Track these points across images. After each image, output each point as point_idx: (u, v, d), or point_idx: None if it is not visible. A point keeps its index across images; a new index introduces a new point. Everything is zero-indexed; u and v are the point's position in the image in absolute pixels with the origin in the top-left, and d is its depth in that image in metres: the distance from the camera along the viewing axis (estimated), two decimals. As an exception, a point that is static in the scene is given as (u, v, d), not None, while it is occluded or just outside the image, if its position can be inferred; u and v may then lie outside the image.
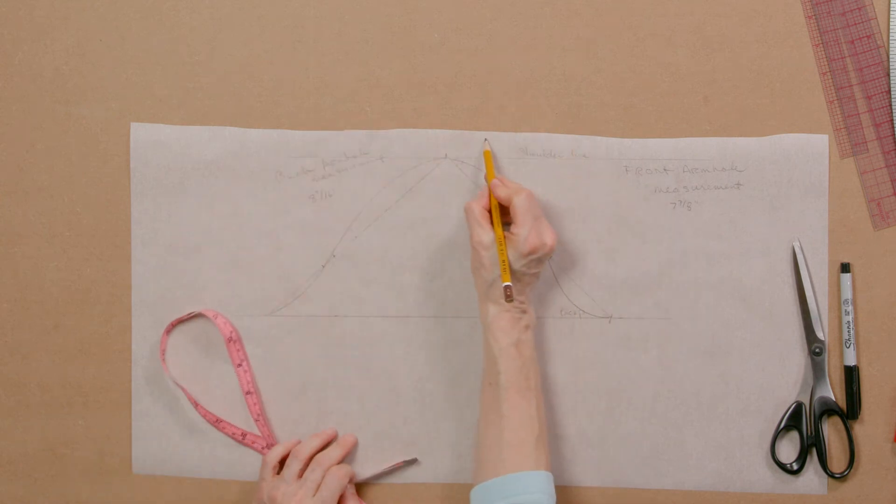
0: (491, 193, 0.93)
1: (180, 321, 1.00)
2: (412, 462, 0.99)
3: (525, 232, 0.90)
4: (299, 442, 0.98)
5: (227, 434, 0.99)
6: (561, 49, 0.98)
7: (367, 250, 0.99)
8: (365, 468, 0.99)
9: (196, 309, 1.00)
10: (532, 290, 0.95)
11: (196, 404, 0.99)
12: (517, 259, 0.90)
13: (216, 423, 0.99)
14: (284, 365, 1.00)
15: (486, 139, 0.97)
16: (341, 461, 0.97)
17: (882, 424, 0.97)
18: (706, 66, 0.97)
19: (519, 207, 0.91)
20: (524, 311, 0.92)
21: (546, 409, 0.98)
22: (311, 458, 0.97)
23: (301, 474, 0.95)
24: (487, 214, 0.93)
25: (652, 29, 0.97)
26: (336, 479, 0.94)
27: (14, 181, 1.01)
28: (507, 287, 0.89)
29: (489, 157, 0.96)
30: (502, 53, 0.98)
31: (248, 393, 0.99)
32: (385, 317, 0.99)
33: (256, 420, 0.99)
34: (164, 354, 0.99)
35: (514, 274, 0.91)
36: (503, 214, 0.93)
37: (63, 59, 1.00)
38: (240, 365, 0.99)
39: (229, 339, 0.99)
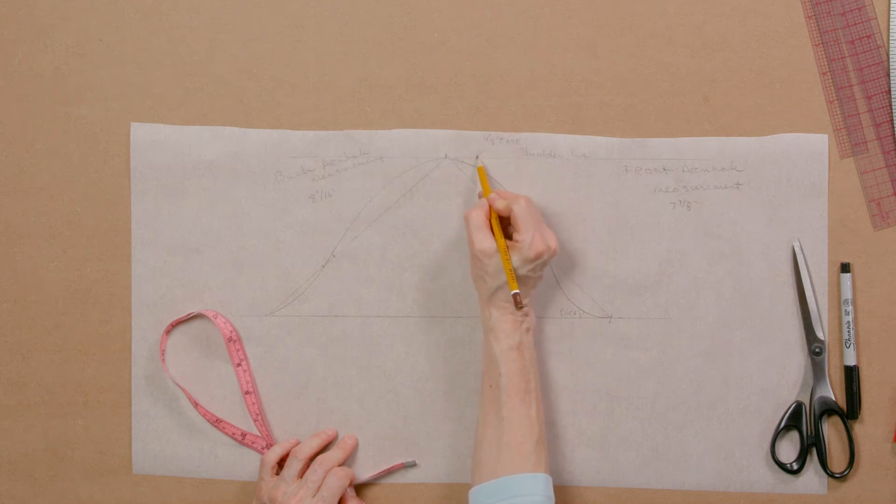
0: (490, 206, 0.93)
1: (180, 321, 1.00)
2: (411, 465, 0.99)
3: (529, 238, 0.90)
4: (297, 442, 0.98)
5: (226, 434, 0.99)
6: (561, 49, 0.98)
7: (367, 250, 0.99)
8: (364, 467, 0.99)
9: (196, 309, 1.00)
10: (534, 292, 0.95)
11: (196, 404, 0.99)
12: (522, 265, 0.90)
13: (216, 423, 0.99)
14: (284, 365, 1.00)
15: (477, 156, 0.97)
16: (342, 463, 0.97)
17: (882, 424, 0.97)
18: (706, 66, 0.97)
19: (520, 214, 0.91)
20: (525, 315, 0.92)
21: (546, 410, 0.98)
22: (311, 459, 0.97)
23: (301, 474, 0.95)
24: (488, 222, 0.92)
25: (652, 29, 0.97)
26: (337, 479, 0.94)
27: (14, 181, 1.01)
28: (516, 295, 0.89)
29: (483, 174, 0.96)
30: (502, 53, 0.98)
31: (247, 393, 0.99)
32: (385, 317, 0.99)
33: (255, 420, 0.99)
34: (163, 354, 0.99)
35: (519, 279, 0.91)
36: (503, 224, 0.93)
37: (63, 59, 1.00)
38: (239, 364, 0.99)
39: (229, 339, 0.99)
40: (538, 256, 0.90)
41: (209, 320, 0.99)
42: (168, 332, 1.00)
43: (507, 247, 0.91)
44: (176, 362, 1.00)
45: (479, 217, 0.92)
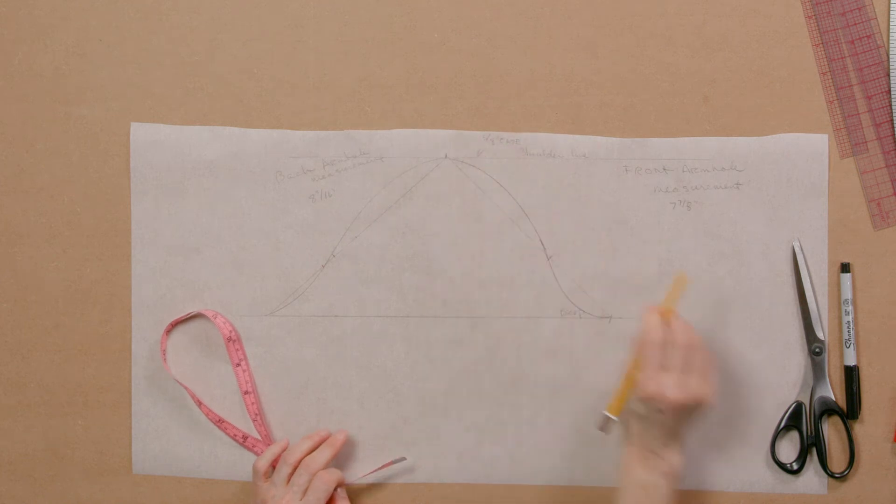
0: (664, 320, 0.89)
1: (180, 321, 1.00)
2: (401, 461, 0.99)
3: (643, 378, 0.86)
4: (287, 443, 0.97)
5: (228, 435, 0.99)
6: (561, 49, 0.98)
7: (367, 250, 0.99)
8: (365, 467, 0.99)
9: (196, 309, 1.00)
10: (675, 441, 0.88)
11: (199, 403, 0.99)
12: (634, 399, 0.87)
13: (219, 423, 0.99)
14: (284, 365, 1.00)
15: (681, 271, 0.94)
16: (330, 463, 0.96)
17: (882, 424, 0.97)
18: (706, 66, 0.97)
19: (644, 354, 0.87)
20: (657, 455, 0.87)
21: (546, 409, 0.98)
22: (300, 462, 0.96)
23: (290, 478, 0.95)
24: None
25: (652, 29, 0.97)
26: (323, 483, 0.94)
27: (14, 181, 1.01)
28: (606, 417, 0.89)
29: (680, 285, 0.91)
30: (502, 53, 0.98)
31: (246, 393, 0.99)
32: (385, 317, 0.99)
33: (254, 420, 0.98)
34: (164, 354, 0.99)
35: (633, 413, 0.88)
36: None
37: (63, 59, 1.00)
38: (238, 364, 0.99)
39: (228, 339, 0.99)
40: (646, 399, 0.86)
41: (209, 320, 0.99)
42: (168, 331, 1.00)
43: (633, 372, 0.88)
44: (176, 362, 1.00)
45: (656, 339, 0.88)
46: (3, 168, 1.01)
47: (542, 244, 0.98)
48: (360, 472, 0.99)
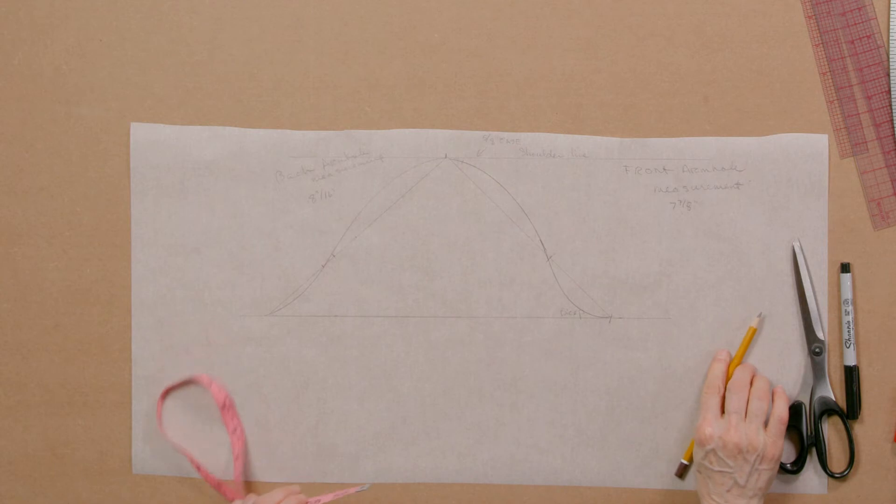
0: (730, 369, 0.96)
1: (174, 388, 0.99)
2: (364, 489, 0.97)
3: (699, 423, 0.92)
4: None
5: (227, 499, 0.98)
6: (561, 49, 0.98)
7: (367, 250, 0.99)
8: (364, 468, 0.99)
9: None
10: (742, 498, 0.90)
11: (199, 467, 0.98)
12: (696, 445, 0.92)
13: (217, 486, 0.98)
14: (284, 365, 1.00)
15: (760, 314, 0.97)
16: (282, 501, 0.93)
17: (882, 424, 0.97)
18: (706, 66, 0.97)
19: (705, 400, 0.93)
20: None
21: (546, 409, 0.98)
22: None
23: None
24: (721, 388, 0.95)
25: (652, 29, 0.97)
26: None
27: (14, 181, 1.01)
28: (681, 463, 0.96)
29: (750, 337, 0.96)
30: (502, 53, 0.98)
31: (236, 458, 0.98)
32: (385, 317, 0.99)
33: (236, 482, 0.98)
34: (160, 420, 0.99)
35: (696, 464, 0.92)
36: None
37: (63, 59, 1.00)
38: (234, 432, 0.98)
39: (223, 406, 0.98)
40: (700, 441, 0.91)
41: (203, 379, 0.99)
42: (163, 397, 0.99)
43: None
44: (172, 425, 1.00)
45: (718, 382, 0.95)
46: (3, 168, 1.01)
47: (542, 244, 0.98)
48: (363, 471, 0.99)
